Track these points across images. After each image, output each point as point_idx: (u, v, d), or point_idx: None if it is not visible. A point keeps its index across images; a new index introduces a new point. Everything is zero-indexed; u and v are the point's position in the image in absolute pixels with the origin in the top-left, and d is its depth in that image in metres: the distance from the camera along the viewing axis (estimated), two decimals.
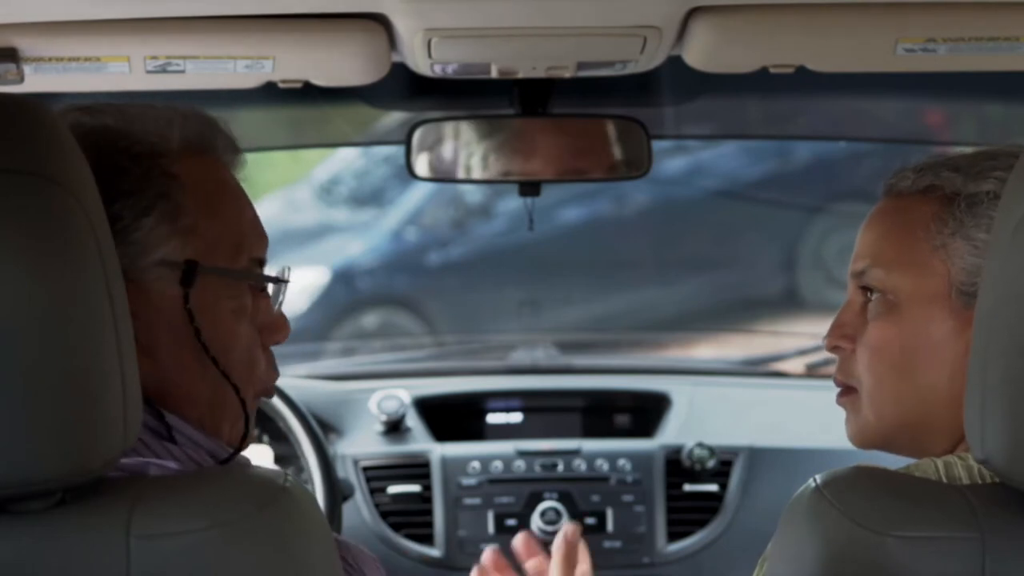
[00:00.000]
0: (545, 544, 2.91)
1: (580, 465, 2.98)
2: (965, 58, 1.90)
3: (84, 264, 1.12)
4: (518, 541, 2.13)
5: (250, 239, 1.45)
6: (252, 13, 1.81)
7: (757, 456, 3.03)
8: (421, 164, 2.41)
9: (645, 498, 2.96)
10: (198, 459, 1.37)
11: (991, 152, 1.51)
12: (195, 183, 1.41)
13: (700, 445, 2.98)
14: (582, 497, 2.96)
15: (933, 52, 1.86)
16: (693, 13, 1.78)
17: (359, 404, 3.12)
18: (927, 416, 1.49)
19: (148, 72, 1.90)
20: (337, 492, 2.77)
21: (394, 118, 2.92)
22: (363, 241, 6.40)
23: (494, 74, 2.00)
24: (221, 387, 1.41)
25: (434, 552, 2.95)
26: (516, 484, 2.97)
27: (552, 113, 2.34)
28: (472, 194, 6.08)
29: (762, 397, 3.31)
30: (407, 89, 2.61)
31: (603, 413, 3.21)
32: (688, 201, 6.24)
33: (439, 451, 3.02)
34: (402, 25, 1.79)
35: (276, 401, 2.79)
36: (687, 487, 2.99)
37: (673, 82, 2.68)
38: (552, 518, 2.92)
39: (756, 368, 3.80)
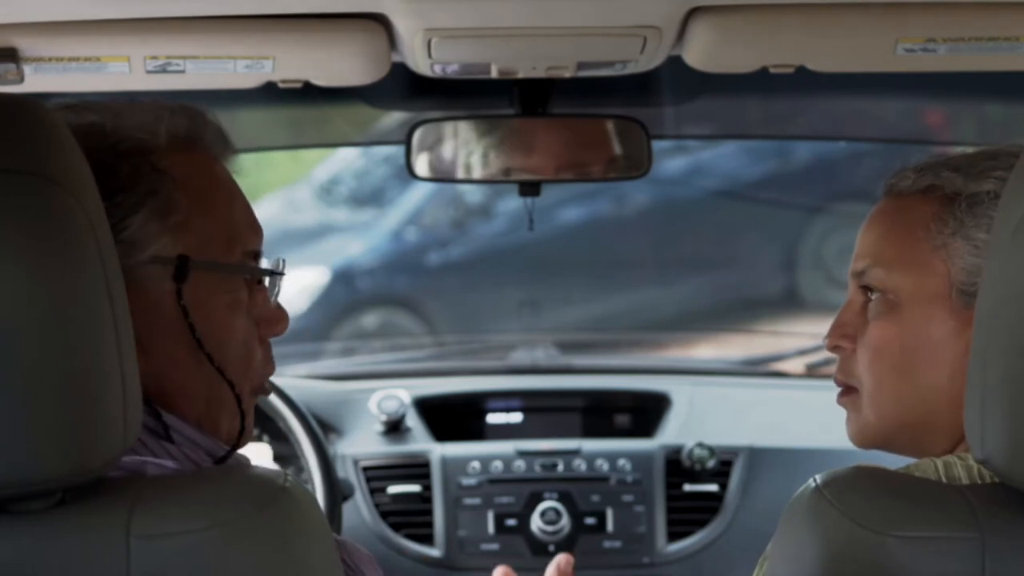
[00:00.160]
0: (545, 544, 2.92)
1: (580, 465, 2.98)
2: (965, 58, 1.90)
3: (84, 264, 1.12)
4: (499, 573, 2.10)
5: (243, 232, 1.44)
6: (252, 13, 1.81)
7: (757, 456, 3.03)
8: (421, 164, 2.41)
9: (645, 498, 2.96)
10: (196, 458, 1.37)
11: (991, 152, 1.51)
12: (185, 178, 1.40)
13: (700, 445, 2.98)
14: (582, 497, 2.96)
15: (933, 52, 1.86)
16: (693, 13, 1.78)
17: (359, 404, 3.12)
18: (928, 416, 1.49)
19: (148, 72, 1.90)
20: (337, 492, 2.77)
21: (394, 118, 2.92)
22: (363, 241, 6.40)
23: (494, 74, 2.00)
24: (216, 383, 1.40)
25: (434, 552, 2.95)
26: (516, 484, 2.97)
27: (552, 113, 2.34)
28: (472, 194, 6.07)
29: (762, 397, 3.31)
30: (407, 89, 2.61)
31: (603, 413, 3.21)
32: (688, 201, 6.24)
33: (439, 451, 3.02)
34: (402, 25, 1.79)
35: (276, 401, 2.79)
36: (687, 487, 2.99)
37: (673, 82, 2.68)
38: (552, 518, 2.92)
39: (756, 368, 3.81)
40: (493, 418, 3.18)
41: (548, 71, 2.01)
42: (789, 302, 6.04)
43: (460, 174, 2.43)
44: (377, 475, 3.00)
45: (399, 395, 3.08)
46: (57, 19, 1.77)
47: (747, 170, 6.23)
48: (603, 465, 2.98)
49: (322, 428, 2.88)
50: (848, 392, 1.56)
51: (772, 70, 1.96)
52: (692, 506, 2.99)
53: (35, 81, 1.91)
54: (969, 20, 1.81)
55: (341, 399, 3.17)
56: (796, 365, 3.71)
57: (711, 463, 2.97)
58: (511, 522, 2.94)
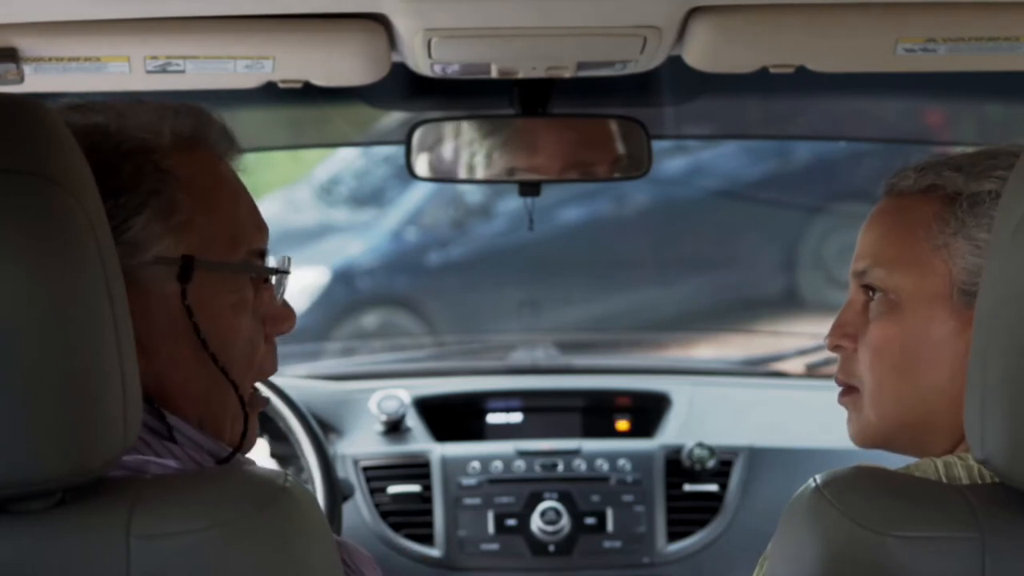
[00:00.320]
0: (545, 544, 2.92)
1: (580, 465, 2.98)
2: (965, 58, 1.90)
3: (84, 264, 1.12)
4: None
5: (248, 231, 1.43)
6: (252, 13, 1.81)
7: (757, 456, 3.03)
8: (421, 164, 2.41)
9: (645, 498, 2.96)
10: (198, 459, 1.37)
11: (992, 151, 1.51)
12: (188, 177, 1.39)
13: (700, 445, 2.98)
14: (582, 497, 2.96)
15: (933, 52, 1.86)
16: (693, 13, 1.78)
17: (359, 404, 3.12)
18: (928, 416, 1.49)
19: (148, 72, 1.90)
20: (337, 492, 2.77)
21: (394, 118, 2.92)
22: (363, 241, 6.39)
23: (494, 74, 2.00)
24: (219, 384, 1.40)
25: (434, 552, 2.95)
26: (516, 484, 2.97)
27: (552, 113, 2.34)
28: (472, 194, 6.07)
29: (762, 397, 3.31)
30: (407, 89, 2.61)
31: (603, 413, 3.21)
32: (688, 201, 6.24)
33: (439, 451, 3.02)
34: (402, 25, 1.79)
35: (276, 401, 2.79)
36: (687, 487, 2.99)
37: (673, 82, 2.69)
38: (552, 518, 2.92)
39: (756, 368, 3.81)
40: (493, 418, 3.18)
41: (548, 71, 2.01)
42: (789, 302, 6.04)
43: (460, 174, 2.43)
44: (377, 475, 3.00)
45: (399, 395, 3.08)
46: (57, 19, 1.77)
47: (747, 170, 6.23)
48: (603, 465, 2.98)
49: (322, 428, 2.88)
50: (849, 392, 1.56)
51: (772, 70, 1.96)
52: (692, 506, 2.99)
53: (35, 81, 1.91)
54: (969, 20, 1.81)
55: (341, 399, 3.17)
56: (796, 365, 3.72)
57: (711, 463, 2.97)
58: (511, 522, 2.94)
